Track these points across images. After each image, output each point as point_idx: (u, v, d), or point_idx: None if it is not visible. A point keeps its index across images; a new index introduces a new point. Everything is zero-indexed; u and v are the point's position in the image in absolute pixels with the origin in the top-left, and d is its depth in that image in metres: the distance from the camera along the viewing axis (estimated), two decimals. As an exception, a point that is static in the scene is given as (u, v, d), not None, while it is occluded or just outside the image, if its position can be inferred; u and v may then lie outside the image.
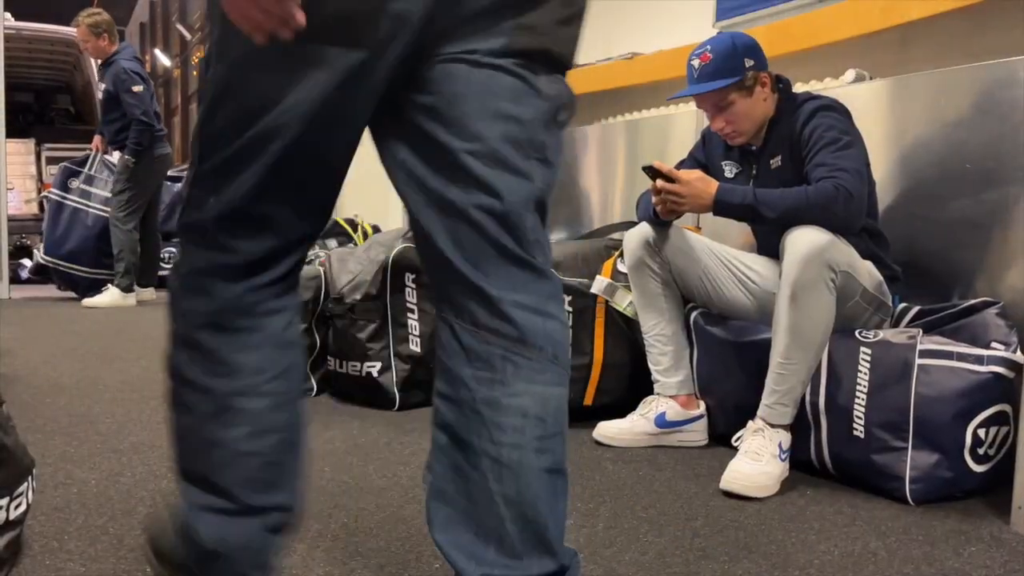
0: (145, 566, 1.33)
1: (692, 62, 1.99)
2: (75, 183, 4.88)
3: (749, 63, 1.95)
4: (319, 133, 0.86)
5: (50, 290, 5.31)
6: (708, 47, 1.98)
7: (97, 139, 5.02)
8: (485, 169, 0.87)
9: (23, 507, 1.33)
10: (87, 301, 4.73)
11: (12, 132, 5.74)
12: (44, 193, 4.95)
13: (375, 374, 2.45)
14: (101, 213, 4.88)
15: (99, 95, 4.82)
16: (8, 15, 5.73)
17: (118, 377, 2.78)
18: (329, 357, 2.58)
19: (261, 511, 0.94)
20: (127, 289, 4.73)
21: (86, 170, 4.94)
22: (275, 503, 0.95)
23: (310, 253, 3.11)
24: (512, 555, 0.88)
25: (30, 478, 1.36)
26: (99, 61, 4.85)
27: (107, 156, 4.99)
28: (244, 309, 0.92)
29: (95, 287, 4.84)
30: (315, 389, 2.58)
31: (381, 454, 1.99)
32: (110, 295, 4.71)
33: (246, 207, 0.89)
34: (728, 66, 1.94)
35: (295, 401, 0.98)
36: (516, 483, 0.88)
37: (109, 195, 4.81)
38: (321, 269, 2.66)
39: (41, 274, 5.29)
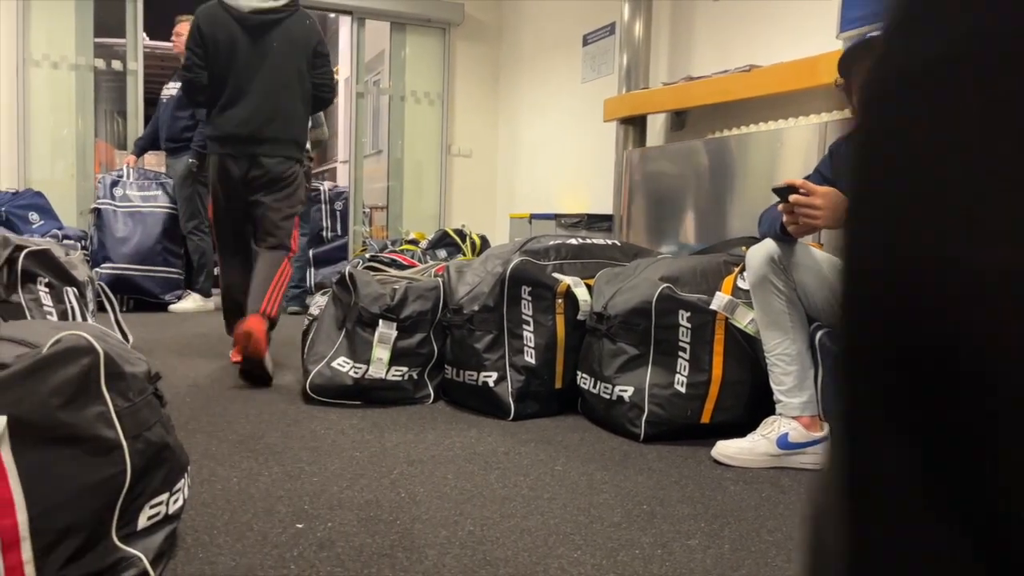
0: (289, 564, 1.40)
1: None
2: (119, 191, 5.00)
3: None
4: None
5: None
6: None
7: (131, 157, 5.17)
8: None
9: (180, 502, 1.42)
10: (174, 307, 4.87)
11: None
12: (93, 206, 5.10)
13: (491, 384, 2.50)
14: (156, 210, 4.99)
15: (170, 93, 4.96)
16: (144, 35, 6.12)
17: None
18: (446, 365, 2.64)
19: None
20: (207, 293, 4.92)
21: (124, 179, 5.04)
22: None
23: (424, 263, 3.19)
24: None
25: (185, 475, 1.46)
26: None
27: (141, 166, 5.17)
28: None
29: (168, 288, 4.95)
30: (432, 396, 2.65)
31: (500, 463, 2.03)
32: (192, 300, 4.90)
33: None
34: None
35: None
36: None
37: (153, 194, 4.99)
38: (439, 280, 2.72)
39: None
